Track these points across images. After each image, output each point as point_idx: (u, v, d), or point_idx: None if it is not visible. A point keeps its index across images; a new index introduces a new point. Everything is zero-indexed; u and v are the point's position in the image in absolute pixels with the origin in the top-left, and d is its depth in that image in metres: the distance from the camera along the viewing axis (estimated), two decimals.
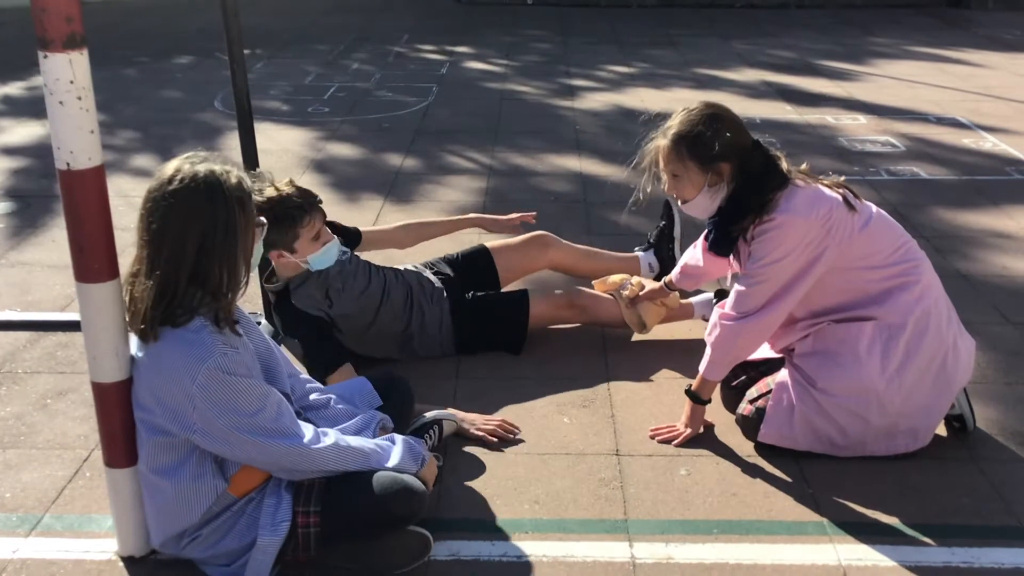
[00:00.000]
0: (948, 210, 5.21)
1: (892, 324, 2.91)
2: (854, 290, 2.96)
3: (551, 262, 4.08)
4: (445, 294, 3.71)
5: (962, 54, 9.58)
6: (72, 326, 3.86)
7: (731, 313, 2.99)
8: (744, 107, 7.08)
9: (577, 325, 3.83)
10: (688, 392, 3.13)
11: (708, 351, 3.07)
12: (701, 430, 3.13)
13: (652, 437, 3.13)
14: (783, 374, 3.06)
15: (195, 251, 2.27)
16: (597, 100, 7.77)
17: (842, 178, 3.03)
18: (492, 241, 4.07)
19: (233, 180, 2.32)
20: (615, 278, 3.80)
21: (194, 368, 2.24)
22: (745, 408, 3.14)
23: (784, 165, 2.97)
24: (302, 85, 8.30)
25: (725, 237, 3.03)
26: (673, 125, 2.97)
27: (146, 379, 2.34)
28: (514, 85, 8.35)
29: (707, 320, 3.76)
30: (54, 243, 4.78)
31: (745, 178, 2.92)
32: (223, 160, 2.37)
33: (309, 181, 5.76)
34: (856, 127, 6.92)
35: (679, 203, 3.10)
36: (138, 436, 2.40)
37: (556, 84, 8.36)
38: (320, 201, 3.37)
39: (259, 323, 3.76)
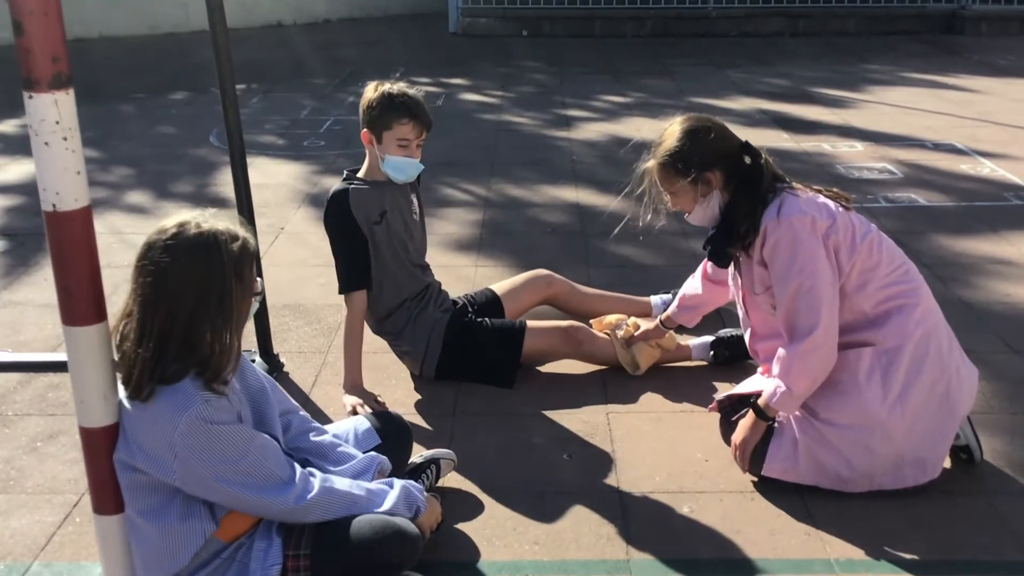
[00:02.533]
0: (948, 237, 5.17)
1: (890, 349, 2.86)
2: (854, 311, 2.90)
3: (550, 298, 4.07)
4: (452, 310, 3.74)
5: (957, 80, 9.59)
6: (63, 367, 3.74)
7: (794, 340, 2.86)
8: (741, 135, 7.05)
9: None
10: (755, 408, 2.96)
11: (784, 387, 2.87)
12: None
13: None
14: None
15: (188, 316, 2.22)
16: (593, 130, 7.76)
17: (835, 189, 3.01)
18: (497, 285, 4.04)
19: (234, 246, 2.25)
20: (611, 318, 3.78)
21: (176, 417, 2.19)
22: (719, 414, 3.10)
23: (775, 169, 2.97)
24: (298, 119, 8.29)
25: (723, 246, 3.02)
26: (658, 145, 3.01)
27: (128, 423, 2.28)
28: (510, 116, 8.34)
29: (707, 362, 3.74)
30: (46, 282, 4.73)
31: (738, 181, 2.93)
32: (231, 219, 2.31)
33: (304, 215, 5.74)
34: (853, 154, 6.90)
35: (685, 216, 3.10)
36: (121, 479, 2.33)
37: (552, 115, 8.36)
38: (431, 123, 3.45)
39: (253, 360, 3.71)
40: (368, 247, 3.51)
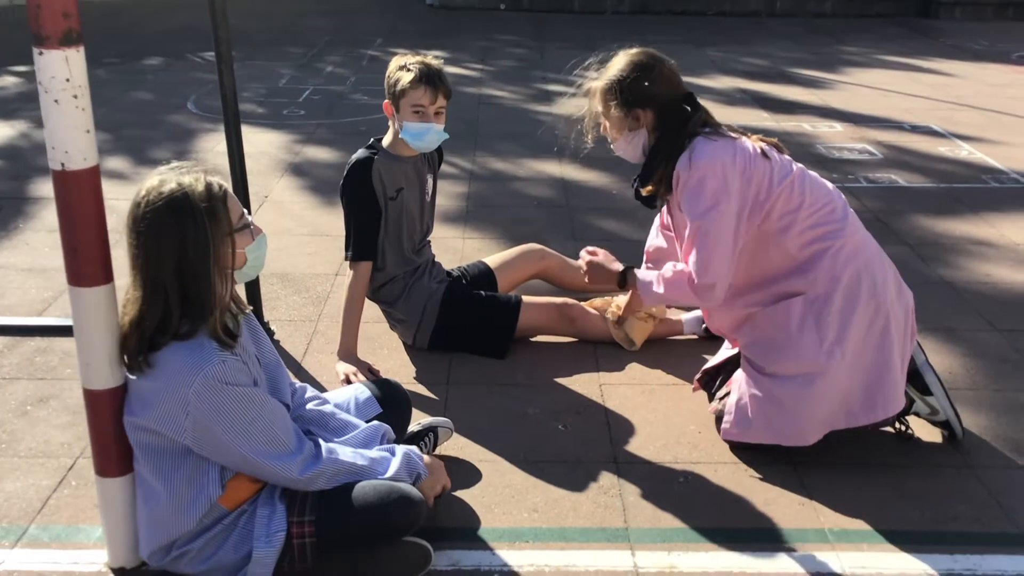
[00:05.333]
0: (929, 218, 5.24)
1: (820, 295, 2.88)
2: (781, 254, 2.93)
3: (542, 271, 4.07)
4: (448, 281, 3.76)
5: (932, 63, 9.68)
6: (50, 331, 3.76)
7: (691, 275, 2.94)
8: (722, 114, 7.01)
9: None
10: (624, 272, 3.28)
11: (660, 286, 3.07)
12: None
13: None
14: (740, 371, 3.05)
15: (174, 273, 2.21)
16: (575, 105, 7.73)
17: (774, 139, 3.04)
18: (490, 258, 4.04)
19: (200, 188, 2.24)
20: (597, 301, 3.81)
21: (192, 375, 2.19)
22: (713, 407, 3.15)
23: (707, 119, 2.99)
24: (276, 88, 8.21)
25: (641, 184, 3.07)
26: (610, 67, 3.04)
27: (140, 382, 2.27)
28: (491, 90, 8.31)
29: (698, 336, 3.78)
30: (28, 246, 4.67)
31: (664, 129, 2.96)
32: (197, 167, 2.30)
33: (287, 184, 5.70)
34: (833, 135, 6.96)
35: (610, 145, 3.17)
36: (132, 440, 2.32)
37: (533, 89, 8.34)
38: (447, 91, 3.46)
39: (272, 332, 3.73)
40: (381, 219, 3.51)
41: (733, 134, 2.97)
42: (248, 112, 7.32)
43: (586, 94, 3.13)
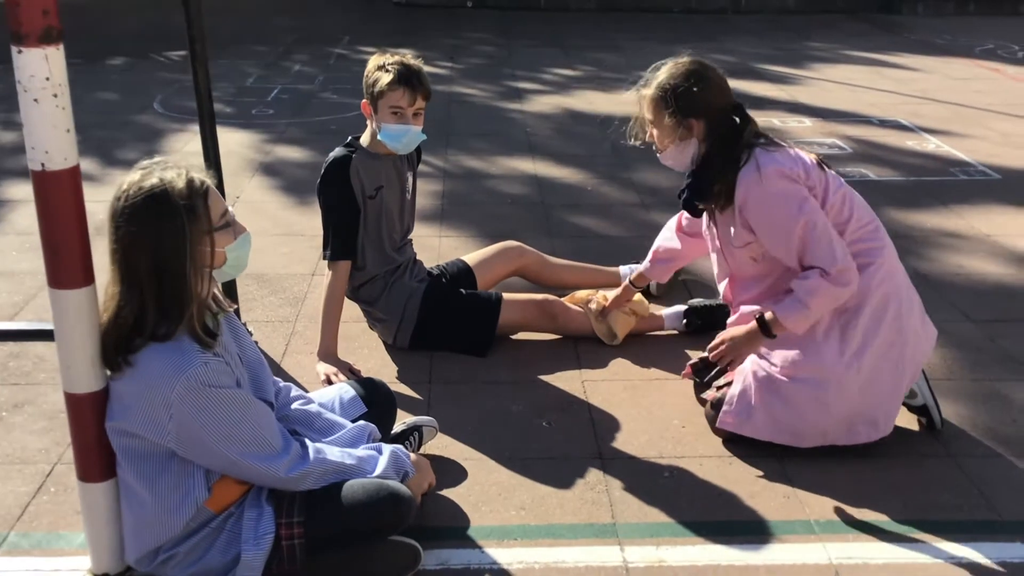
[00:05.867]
0: (900, 211, 5.29)
1: (850, 308, 2.93)
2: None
3: (520, 269, 4.07)
4: (428, 280, 3.74)
5: (897, 58, 9.79)
6: (23, 335, 3.70)
7: (822, 271, 2.85)
8: None
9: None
10: (760, 320, 2.95)
11: (805, 307, 2.86)
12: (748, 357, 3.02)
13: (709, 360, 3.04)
14: (748, 362, 3.06)
15: (151, 270, 2.18)
16: (545, 103, 7.76)
17: (814, 154, 3.07)
18: (469, 256, 4.03)
19: (181, 185, 2.21)
20: (581, 294, 3.81)
21: (174, 378, 2.15)
22: (710, 394, 3.15)
23: (759, 130, 3.01)
24: (244, 87, 8.14)
25: (695, 199, 3.06)
26: (659, 75, 3.01)
27: (121, 386, 2.24)
28: (461, 88, 8.29)
29: (679, 331, 3.79)
30: None
31: (715, 138, 2.96)
32: (175, 164, 2.26)
33: (259, 184, 5.65)
34: (802, 129, 7.01)
35: (655, 150, 3.13)
36: (115, 445, 2.28)
37: (503, 87, 8.33)
38: (427, 92, 3.44)
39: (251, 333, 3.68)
40: (359, 218, 3.48)
41: (785, 145, 3.00)
42: (216, 112, 7.21)
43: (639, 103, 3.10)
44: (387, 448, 2.53)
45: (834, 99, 7.94)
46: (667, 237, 3.62)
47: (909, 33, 11.32)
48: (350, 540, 2.37)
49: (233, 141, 6.51)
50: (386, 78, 3.33)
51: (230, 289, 3.71)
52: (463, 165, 6.07)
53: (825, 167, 3.01)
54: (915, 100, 7.95)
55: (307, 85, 8.24)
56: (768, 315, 2.93)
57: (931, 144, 6.63)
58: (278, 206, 5.29)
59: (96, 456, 2.34)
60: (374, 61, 3.41)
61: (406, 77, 3.34)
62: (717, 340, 3.06)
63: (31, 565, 2.50)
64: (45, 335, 3.59)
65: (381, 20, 11.77)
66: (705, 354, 3.25)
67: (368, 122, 3.50)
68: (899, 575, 2.52)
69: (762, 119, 7.16)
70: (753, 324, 2.97)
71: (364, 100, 3.45)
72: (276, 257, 4.56)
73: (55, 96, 2.09)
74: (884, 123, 7.20)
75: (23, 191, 5.27)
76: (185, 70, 8.56)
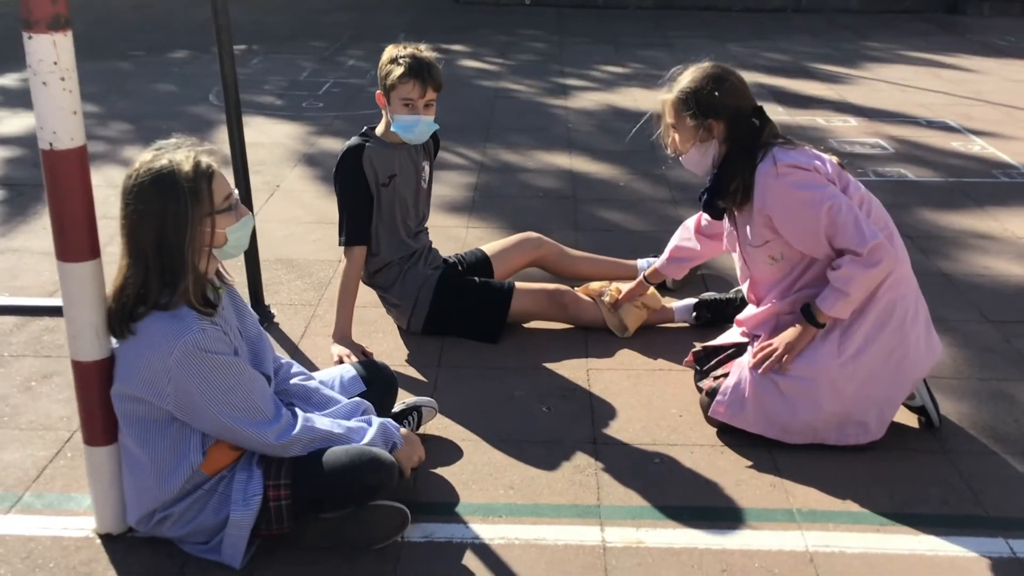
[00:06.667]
0: (933, 211, 5.25)
1: (855, 309, 2.95)
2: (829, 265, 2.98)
3: (539, 259, 4.15)
4: (443, 267, 3.84)
5: (956, 59, 9.63)
6: (59, 311, 3.87)
7: (854, 253, 2.89)
8: None
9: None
10: (806, 312, 2.98)
11: (845, 293, 2.88)
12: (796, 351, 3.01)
13: (754, 366, 3.04)
14: (746, 355, 3.10)
15: (157, 244, 2.33)
16: (589, 99, 7.81)
17: (835, 156, 3.11)
18: (487, 246, 4.13)
19: (187, 168, 2.34)
20: (595, 285, 3.88)
21: (172, 342, 2.30)
22: (707, 382, 3.20)
23: (777, 131, 3.07)
24: (297, 80, 8.34)
25: (714, 199, 3.11)
26: (681, 80, 3.08)
27: (126, 352, 2.39)
28: (508, 83, 8.39)
29: (688, 324, 3.84)
30: (44, 231, 4.81)
31: (737, 140, 3.01)
32: (191, 145, 2.41)
33: (299, 174, 5.81)
34: (846, 129, 6.96)
35: (678, 157, 3.19)
36: (118, 410, 2.43)
37: (550, 83, 8.40)
38: (437, 84, 3.51)
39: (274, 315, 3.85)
40: (373, 205, 3.60)
41: (805, 145, 3.06)
42: (267, 104, 7.45)
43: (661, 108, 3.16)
44: (376, 420, 2.65)
45: (884, 99, 7.85)
46: (685, 237, 3.67)
47: (972, 34, 11.11)
48: (335, 502, 2.49)
49: (280, 132, 6.70)
50: (398, 71, 3.44)
51: (255, 272, 3.87)
52: (499, 159, 6.17)
53: (844, 168, 3.04)
54: (967, 102, 7.83)
55: (359, 80, 8.41)
56: (814, 306, 2.95)
57: (976, 146, 6.53)
58: (314, 195, 5.44)
59: (100, 421, 2.49)
60: (388, 53, 3.52)
61: (417, 70, 3.44)
62: (770, 344, 3.05)
63: (41, 524, 2.66)
64: None
65: (438, 17, 11.92)
66: (711, 343, 3.31)
67: (383, 112, 3.61)
68: (874, 565, 2.55)
69: (807, 118, 7.20)
70: (800, 322, 3.00)
71: (378, 91, 3.56)
72: (306, 244, 4.70)
73: (62, 80, 2.23)
74: (931, 124, 7.11)
75: None
76: (244, 64, 8.84)
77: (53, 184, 2.33)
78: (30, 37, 2.20)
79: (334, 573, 2.49)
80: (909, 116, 7.34)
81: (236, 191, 2.53)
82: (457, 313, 3.73)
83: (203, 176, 2.38)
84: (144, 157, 2.39)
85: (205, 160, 2.41)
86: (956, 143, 6.61)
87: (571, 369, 3.54)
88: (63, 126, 2.27)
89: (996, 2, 12.47)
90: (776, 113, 7.31)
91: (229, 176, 2.65)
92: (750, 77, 8.57)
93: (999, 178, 5.86)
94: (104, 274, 2.43)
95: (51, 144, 2.28)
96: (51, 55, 2.21)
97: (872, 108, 7.55)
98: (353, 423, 2.61)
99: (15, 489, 2.80)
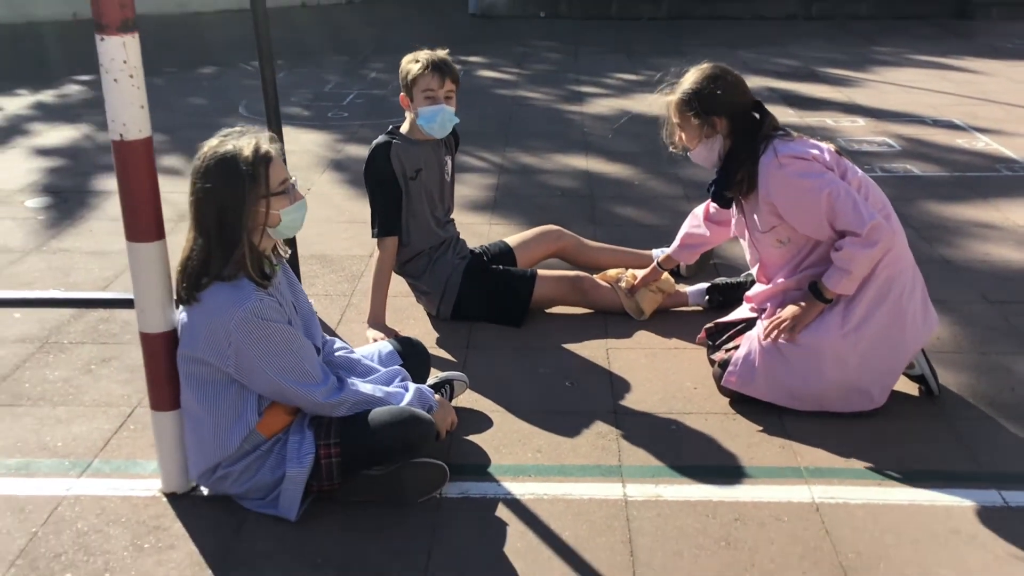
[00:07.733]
0: (937, 203, 5.46)
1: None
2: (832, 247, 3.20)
3: (559, 251, 4.39)
4: (469, 257, 4.09)
5: (963, 62, 9.83)
6: (112, 303, 4.15)
7: (853, 234, 3.09)
8: None
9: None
10: (813, 289, 3.19)
11: (847, 271, 3.10)
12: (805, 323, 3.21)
13: (765, 336, 3.24)
14: (756, 328, 3.33)
15: (219, 222, 2.59)
16: (605, 105, 8.07)
17: (832, 144, 3.34)
18: (510, 238, 4.37)
19: (247, 153, 2.61)
20: (612, 272, 4.11)
21: (233, 310, 2.56)
22: (719, 355, 3.42)
23: (777, 124, 3.30)
24: (322, 92, 8.63)
25: (721, 190, 3.34)
26: (683, 81, 3.33)
27: (193, 318, 2.64)
28: (525, 92, 8.65)
29: (702, 307, 4.07)
30: (91, 233, 5.09)
31: (740, 133, 3.25)
32: (255, 133, 2.67)
33: (328, 178, 6.08)
34: (854, 128, 7.18)
35: (686, 153, 3.42)
36: (182, 372, 2.68)
37: (565, 91, 8.66)
38: (454, 75, 3.77)
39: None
40: (402, 198, 3.85)
41: (803, 136, 3.30)
42: (295, 115, 7.73)
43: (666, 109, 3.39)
44: (413, 385, 2.90)
45: (891, 100, 8.06)
46: (695, 224, 3.91)
47: (979, 37, 11.31)
48: (380, 457, 2.74)
49: (309, 141, 6.97)
50: (417, 67, 3.73)
51: (294, 268, 4.11)
52: (519, 161, 6.42)
53: (841, 154, 3.28)
54: (972, 101, 8.03)
55: (380, 91, 8.69)
56: (820, 284, 3.17)
57: (980, 142, 6.74)
58: (344, 197, 5.71)
59: (166, 388, 2.74)
60: (406, 59, 3.80)
61: (435, 63, 3.73)
62: (779, 316, 3.27)
63: (111, 485, 2.91)
64: (130, 303, 4.03)
65: (456, 30, 12.23)
66: (723, 319, 3.54)
67: (406, 113, 3.87)
68: (876, 513, 2.76)
69: (815, 119, 7.42)
70: (807, 297, 3.21)
71: (402, 94, 3.82)
72: (339, 241, 4.96)
73: (131, 77, 2.50)
74: (937, 123, 7.32)
75: (115, 183, 5.78)
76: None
77: (123, 171, 2.59)
78: (102, 39, 2.45)
79: (380, 525, 2.73)
80: (916, 116, 7.55)
81: (294, 177, 2.79)
82: (484, 299, 3.97)
83: (261, 161, 2.64)
84: (211, 141, 2.68)
85: (265, 147, 2.67)
86: (961, 140, 6.81)
87: (592, 349, 3.78)
88: (132, 119, 2.53)
89: (1004, 6, 12.67)
90: (786, 115, 7.54)
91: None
92: (761, 82, 8.88)
93: (1003, 172, 6.07)
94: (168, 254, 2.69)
95: (121, 135, 2.54)
96: (121, 54, 2.47)
97: (880, 109, 7.76)
98: (392, 388, 2.86)
99: (85, 456, 3.06)
